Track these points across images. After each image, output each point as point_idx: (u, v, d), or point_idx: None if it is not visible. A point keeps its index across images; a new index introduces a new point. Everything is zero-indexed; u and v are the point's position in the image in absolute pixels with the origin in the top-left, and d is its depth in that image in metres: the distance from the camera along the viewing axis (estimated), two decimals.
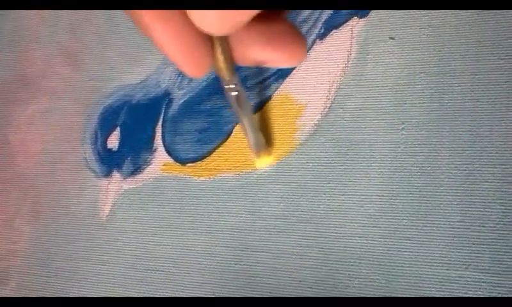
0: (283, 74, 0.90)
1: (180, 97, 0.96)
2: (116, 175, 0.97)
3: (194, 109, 0.94)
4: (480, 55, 0.80)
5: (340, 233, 0.81)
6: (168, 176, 0.93)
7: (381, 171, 0.81)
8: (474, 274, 0.74)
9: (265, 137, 0.85)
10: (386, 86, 0.84)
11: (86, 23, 1.06)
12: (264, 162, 0.86)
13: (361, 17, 0.87)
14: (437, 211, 0.78)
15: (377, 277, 0.78)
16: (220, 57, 0.54)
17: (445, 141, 0.79)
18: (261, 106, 0.90)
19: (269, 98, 0.90)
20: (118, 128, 0.99)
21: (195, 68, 0.50)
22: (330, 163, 0.84)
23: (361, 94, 0.85)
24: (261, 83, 0.91)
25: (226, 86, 0.69)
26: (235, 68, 0.63)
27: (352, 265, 0.80)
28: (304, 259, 0.82)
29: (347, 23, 0.87)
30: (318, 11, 0.89)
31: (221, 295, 0.85)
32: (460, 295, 0.74)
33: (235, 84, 0.70)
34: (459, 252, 0.76)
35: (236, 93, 0.70)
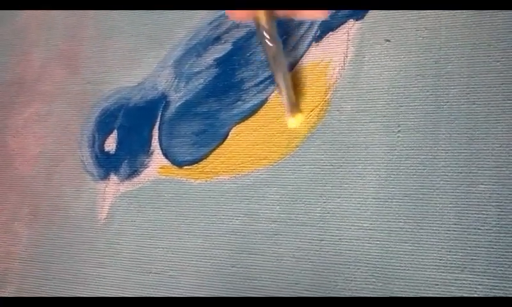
0: None
1: (176, 100, 0.96)
2: (114, 178, 0.97)
3: (191, 111, 0.94)
4: (476, 58, 0.80)
5: (337, 236, 0.81)
6: (165, 179, 0.94)
7: (377, 174, 0.81)
8: (470, 276, 0.74)
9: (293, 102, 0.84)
10: (382, 89, 0.84)
11: (83, 26, 1.06)
12: (297, 121, 0.85)
13: (357, 19, 0.87)
14: (433, 213, 0.78)
15: (374, 279, 0.79)
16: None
17: (441, 144, 0.79)
18: (257, 109, 0.90)
19: (266, 100, 0.90)
20: (115, 131, 0.99)
21: (240, 14, 0.66)
22: (326, 165, 0.84)
23: (357, 97, 0.85)
24: (258, 85, 0.91)
25: (264, 36, 0.71)
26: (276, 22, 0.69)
27: (348, 267, 0.80)
28: (300, 262, 0.83)
29: (343, 25, 0.87)
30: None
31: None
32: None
33: (273, 36, 0.71)
34: (455, 254, 0.76)
35: (273, 44, 0.72)
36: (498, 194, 0.75)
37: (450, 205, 0.77)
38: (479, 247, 0.74)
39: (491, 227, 0.74)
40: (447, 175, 0.78)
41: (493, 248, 0.74)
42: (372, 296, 0.78)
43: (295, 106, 0.85)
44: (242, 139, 0.90)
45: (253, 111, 0.90)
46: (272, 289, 0.83)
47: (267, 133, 0.88)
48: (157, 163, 0.94)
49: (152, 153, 0.95)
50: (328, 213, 0.82)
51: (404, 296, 0.76)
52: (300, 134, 0.86)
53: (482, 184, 0.76)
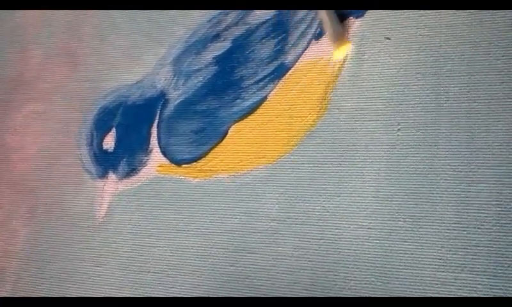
0: (279, 74, 0.89)
1: (175, 98, 0.95)
2: (112, 176, 0.96)
3: (189, 109, 0.94)
4: (477, 56, 0.79)
5: (336, 235, 0.81)
6: (164, 177, 0.93)
7: (377, 172, 0.81)
8: (470, 275, 0.74)
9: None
10: (382, 87, 0.83)
11: (82, 24, 1.06)
12: (342, 52, 0.85)
13: (357, 17, 0.86)
14: (433, 212, 0.77)
15: (373, 279, 0.78)
16: None
17: (441, 142, 0.79)
18: (256, 107, 0.89)
19: (265, 98, 0.90)
20: (114, 129, 0.98)
21: None
22: (326, 164, 0.84)
23: (357, 95, 0.84)
24: (257, 83, 0.90)
25: None
26: None
27: (348, 266, 0.79)
28: (299, 261, 0.82)
29: (343, 23, 0.87)
30: (314, 11, 0.88)
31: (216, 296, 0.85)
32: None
33: None
34: (455, 253, 0.75)
35: None
36: (498, 193, 0.74)
37: (450, 204, 0.76)
38: (479, 246, 0.74)
39: (491, 226, 0.74)
40: (447, 174, 0.77)
41: (493, 247, 0.73)
42: (371, 295, 0.77)
43: (341, 35, 0.85)
44: (241, 137, 0.89)
45: (253, 109, 0.89)
46: (271, 288, 0.82)
47: (267, 132, 0.88)
48: (155, 161, 0.94)
49: (150, 152, 0.95)
50: (327, 212, 0.82)
51: (403, 296, 0.76)
52: (300, 132, 0.86)
53: (482, 183, 0.75)
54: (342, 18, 0.85)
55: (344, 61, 0.85)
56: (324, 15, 0.81)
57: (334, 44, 0.84)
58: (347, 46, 0.84)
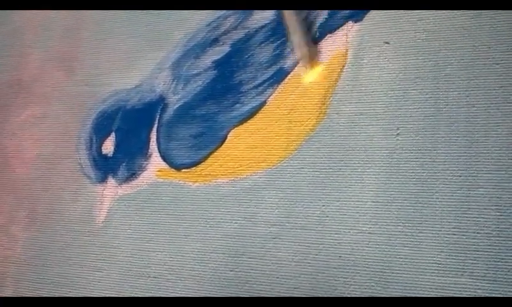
0: (278, 79, 0.89)
1: (174, 102, 0.95)
2: (111, 181, 0.96)
3: (189, 114, 0.94)
4: (476, 61, 0.79)
5: (336, 240, 0.81)
6: (163, 182, 0.93)
7: (376, 177, 0.81)
8: (469, 280, 0.74)
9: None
10: (381, 91, 0.83)
11: (81, 28, 1.05)
12: (314, 74, 0.84)
13: (356, 22, 0.86)
14: (432, 217, 0.77)
15: (373, 283, 0.78)
16: None
17: (440, 147, 0.79)
18: (255, 112, 0.89)
19: (264, 102, 0.90)
20: (113, 134, 0.98)
21: None
22: (325, 168, 0.84)
23: (356, 100, 0.84)
24: (256, 88, 0.90)
25: None
26: None
27: (347, 271, 0.80)
28: (299, 266, 0.82)
29: (342, 27, 0.87)
30: (313, 15, 0.88)
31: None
32: None
33: None
34: (454, 258, 0.75)
35: None
36: (497, 197, 0.74)
37: (449, 209, 0.76)
38: (478, 251, 0.74)
39: (490, 231, 0.74)
40: (447, 178, 0.77)
41: (492, 252, 0.73)
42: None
43: (311, 55, 0.84)
44: (240, 141, 0.89)
45: (252, 114, 0.89)
46: (271, 293, 0.82)
47: (266, 136, 0.88)
48: (155, 166, 0.94)
49: (150, 156, 0.95)
50: (327, 216, 0.82)
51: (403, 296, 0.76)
52: (299, 137, 0.86)
53: (481, 187, 0.75)
54: (316, 41, 0.84)
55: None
56: (296, 37, 0.81)
57: (306, 66, 0.84)
58: (319, 68, 0.84)
